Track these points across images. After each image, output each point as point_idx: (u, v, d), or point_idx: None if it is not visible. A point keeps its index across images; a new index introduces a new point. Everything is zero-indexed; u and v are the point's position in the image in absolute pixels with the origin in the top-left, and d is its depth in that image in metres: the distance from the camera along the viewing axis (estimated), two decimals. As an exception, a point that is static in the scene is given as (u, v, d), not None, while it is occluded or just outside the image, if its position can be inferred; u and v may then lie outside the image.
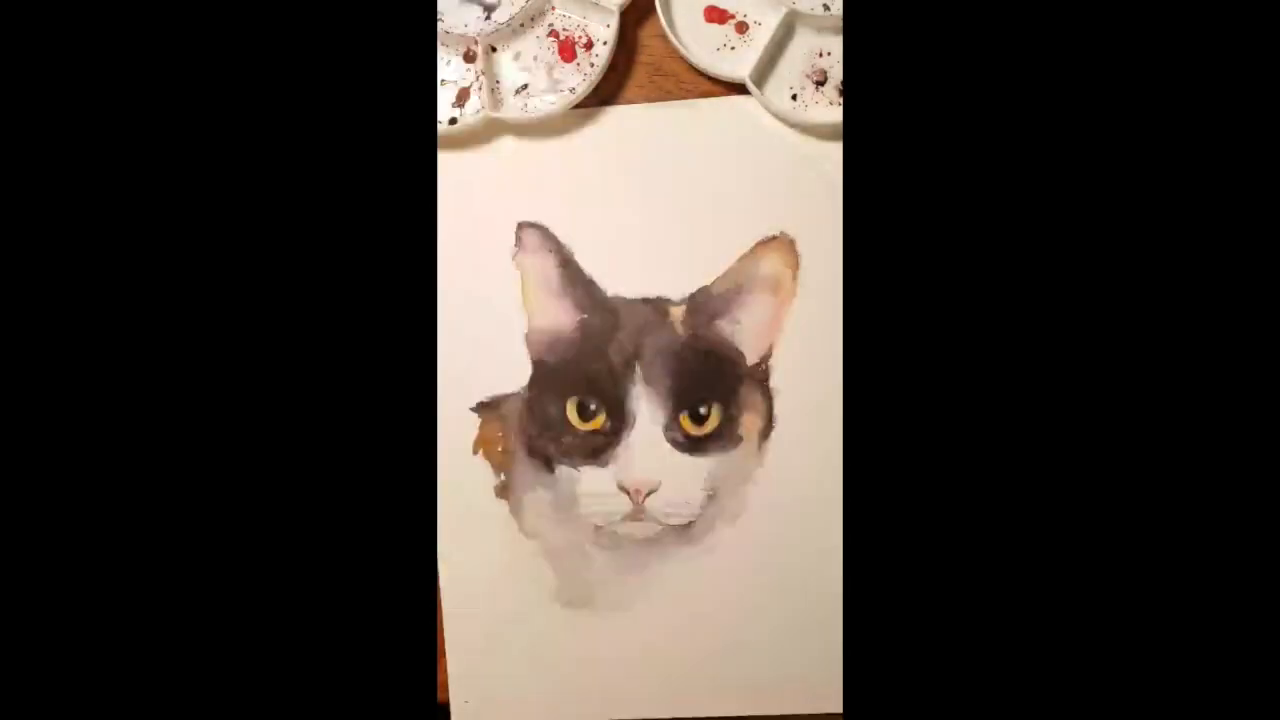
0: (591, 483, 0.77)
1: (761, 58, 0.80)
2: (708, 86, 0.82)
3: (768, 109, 0.80)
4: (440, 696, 0.77)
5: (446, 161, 0.81)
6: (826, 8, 0.80)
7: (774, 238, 0.78)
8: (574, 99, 0.80)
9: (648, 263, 0.79)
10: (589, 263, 0.79)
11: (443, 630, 0.77)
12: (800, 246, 0.78)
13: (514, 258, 0.79)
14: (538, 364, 0.78)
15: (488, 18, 0.82)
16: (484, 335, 0.79)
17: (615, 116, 0.82)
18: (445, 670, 0.77)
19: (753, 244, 0.78)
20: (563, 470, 0.77)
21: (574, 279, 0.79)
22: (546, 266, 0.79)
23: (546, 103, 0.81)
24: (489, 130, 0.81)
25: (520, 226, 0.80)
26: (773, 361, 0.78)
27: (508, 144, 0.82)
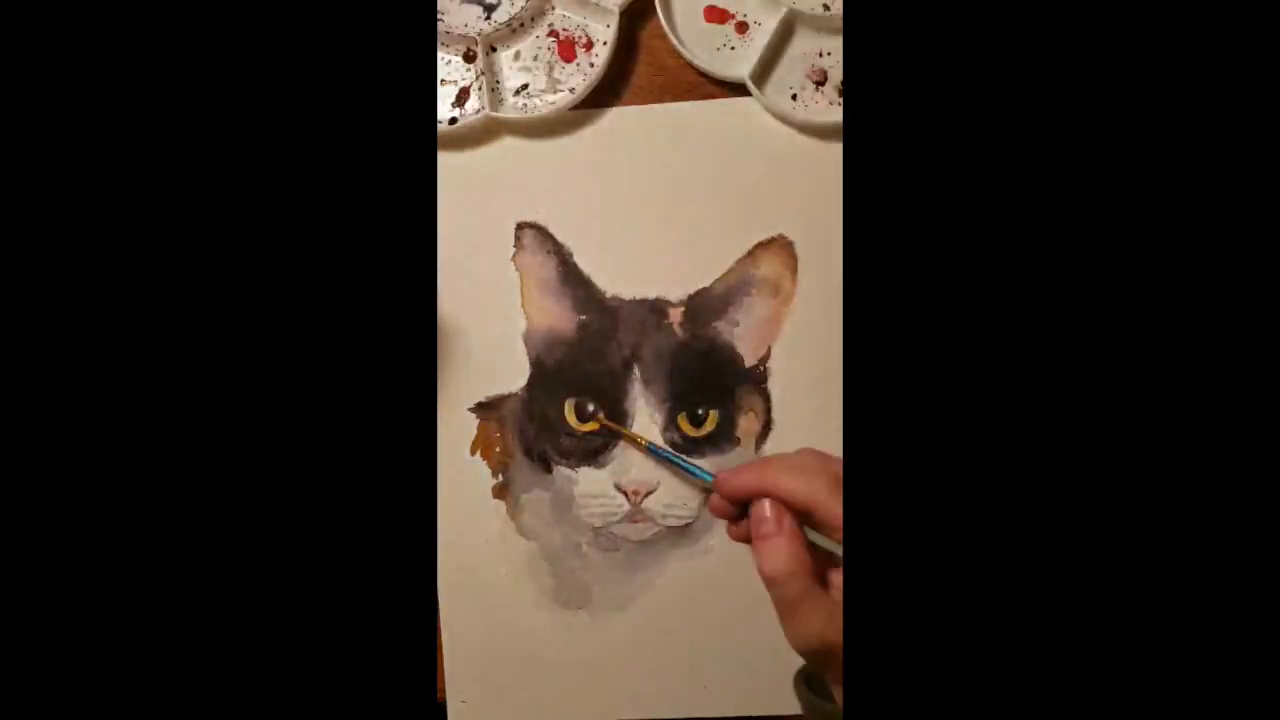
0: (589, 484, 0.75)
1: (761, 58, 0.78)
2: (707, 87, 0.80)
3: (768, 109, 0.78)
4: (438, 696, 0.77)
5: (446, 161, 0.80)
6: (826, 8, 0.79)
7: (773, 239, 0.77)
8: (574, 99, 0.78)
9: (646, 264, 0.78)
10: (588, 263, 0.78)
11: (441, 630, 0.76)
12: (799, 248, 0.77)
13: (513, 258, 0.78)
14: (536, 364, 0.77)
15: (488, 18, 0.81)
16: (482, 335, 0.78)
17: (614, 118, 0.80)
18: (443, 670, 0.76)
19: (751, 245, 0.77)
20: (560, 471, 0.76)
21: (572, 280, 0.78)
22: (545, 267, 0.78)
23: (546, 103, 0.79)
24: (489, 130, 0.80)
25: (519, 227, 0.78)
26: (771, 363, 0.76)
27: (508, 144, 0.80)
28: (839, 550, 0.54)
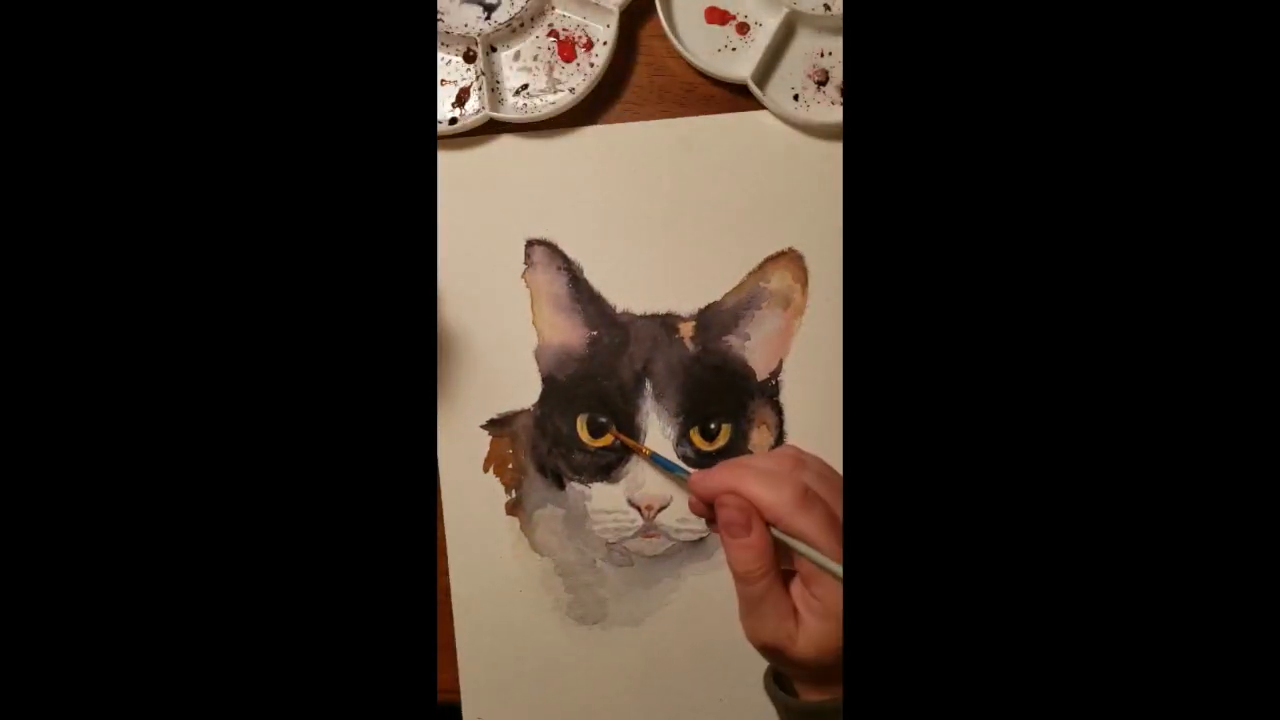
0: (602, 499, 0.75)
1: (763, 58, 0.77)
2: (708, 87, 0.80)
3: (770, 109, 0.77)
4: (451, 701, 0.77)
5: (446, 161, 0.78)
6: (827, 8, 0.78)
7: (783, 253, 0.77)
8: (574, 99, 0.77)
9: (656, 279, 0.77)
10: (598, 279, 0.77)
11: (457, 647, 0.76)
12: (809, 262, 0.76)
13: (523, 275, 0.77)
14: (548, 381, 0.76)
15: (488, 18, 0.79)
16: (494, 352, 0.77)
17: (623, 132, 0.79)
18: (460, 687, 0.76)
19: (762, 259, 0.77)
20: (573, 487, 0.75)
21: (583, 296, 0.77)
22: (556, 283, 0.77)
23: (547, 102, 0.78)
24: (489, 130, 0.79)
25: (529, 244, 0.77)
26: (783, 376, 0.76)
27: (508, 144, 0.79)
28: (799, 548, 0.55)
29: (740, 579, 0.57)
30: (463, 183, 0.79)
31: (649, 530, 0.75)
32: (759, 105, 0.78)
